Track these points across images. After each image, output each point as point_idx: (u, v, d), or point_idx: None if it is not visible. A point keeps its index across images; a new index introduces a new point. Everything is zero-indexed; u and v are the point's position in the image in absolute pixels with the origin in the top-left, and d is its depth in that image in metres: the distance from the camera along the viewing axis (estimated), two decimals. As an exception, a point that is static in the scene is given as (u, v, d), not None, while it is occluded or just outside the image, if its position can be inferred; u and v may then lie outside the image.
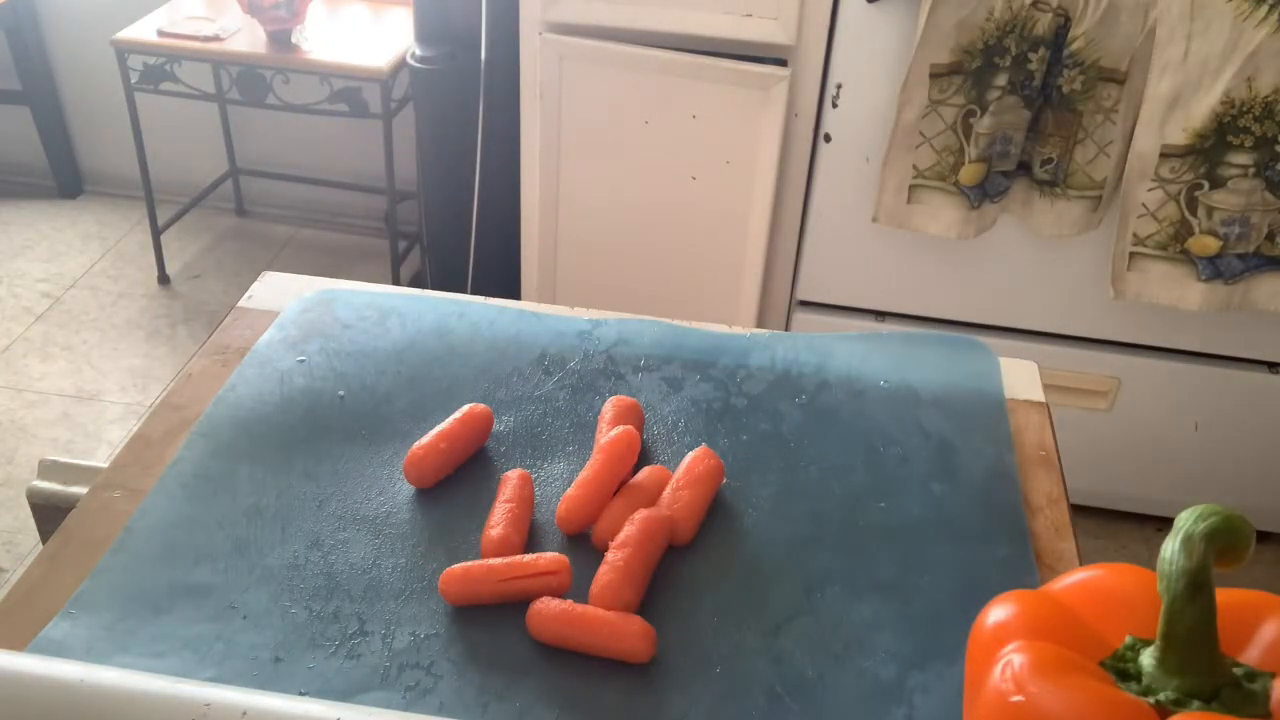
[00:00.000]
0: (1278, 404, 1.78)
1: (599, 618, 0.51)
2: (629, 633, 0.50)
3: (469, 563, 0.53)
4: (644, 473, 0.56)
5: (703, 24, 1.46)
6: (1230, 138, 1.50)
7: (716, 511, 0.58)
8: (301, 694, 0.47)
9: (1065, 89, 1.53)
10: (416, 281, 2.24)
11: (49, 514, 0.68)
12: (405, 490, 0.59)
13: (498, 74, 1.69)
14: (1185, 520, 0.36)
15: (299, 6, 2.21)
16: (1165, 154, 1.53)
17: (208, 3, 2.41)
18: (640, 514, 0.54)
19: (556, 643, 0.50)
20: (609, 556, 0.53)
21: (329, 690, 0.48)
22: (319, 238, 2.79)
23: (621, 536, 0.53)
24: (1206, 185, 1.54)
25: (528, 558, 0.53)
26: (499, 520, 0.54)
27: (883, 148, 1.49)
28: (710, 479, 0.58)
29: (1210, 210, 1.56)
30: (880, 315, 1.68)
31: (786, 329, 1.73)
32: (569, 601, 0.51)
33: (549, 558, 0.52)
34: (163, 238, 2.60)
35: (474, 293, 0.83)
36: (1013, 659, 0.37)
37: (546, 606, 0.51)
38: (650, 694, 0.49)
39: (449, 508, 0.58)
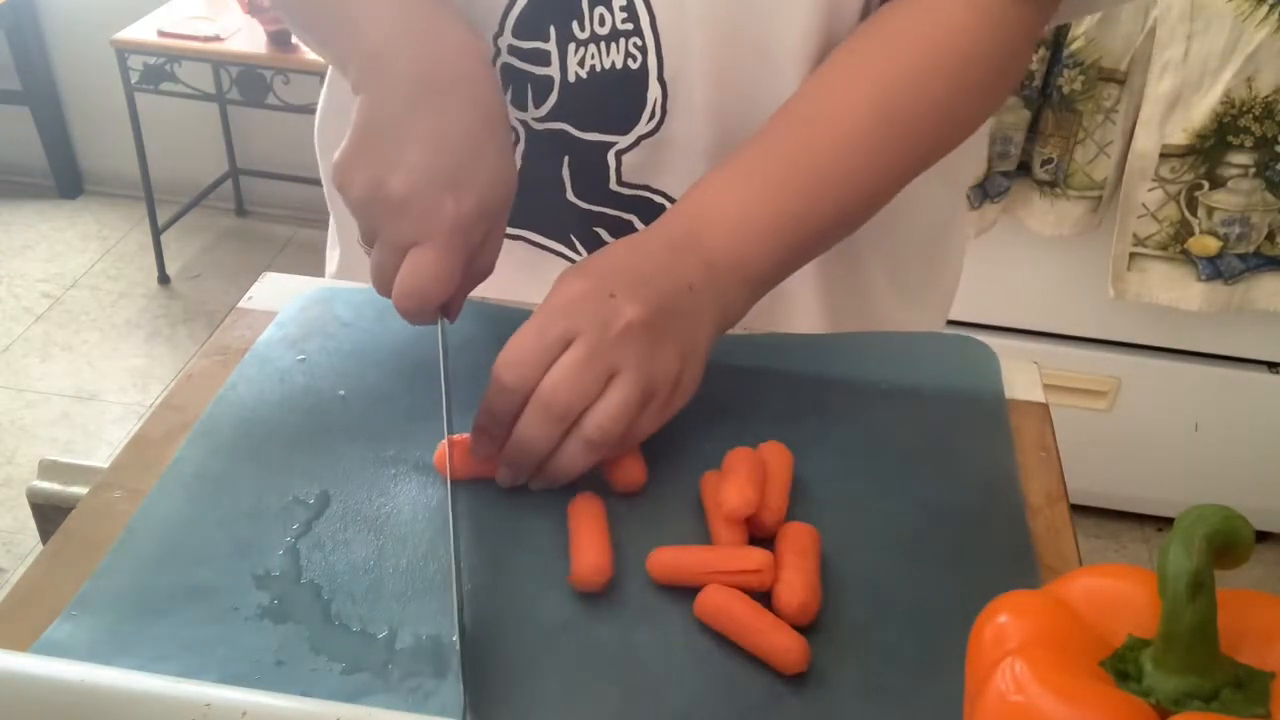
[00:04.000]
0: (1278, 404, 1.78)
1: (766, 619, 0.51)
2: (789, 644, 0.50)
3: (677, 547, 0.54)
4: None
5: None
6: (1230, 138, 1.50)
7: (717, 512, 0.58)
8: (304, 695, 0.47)
9: (1065, 89, 1.53)
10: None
11: (49, 514, 0.68)
12: (407, 490, 0.59)
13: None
14: (1185, 520, 0.36)
15: (299, 6, 2.20)
16: (1165, 154, 1.53)
17: (208, 3, 2.41)
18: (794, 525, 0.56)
19: (718, 627, 0.51)
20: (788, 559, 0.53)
21: (331, 692, 0.48)
22: (319, 238, 2.79)
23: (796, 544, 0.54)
24: (1206, 185, 1.54)
25: (736, 551, 0.53)
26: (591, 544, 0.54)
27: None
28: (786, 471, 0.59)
29: (1210, 210, 1.56)
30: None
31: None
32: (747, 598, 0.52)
33: (756, 555, 0.52)
34: (163, 238, 2.60)
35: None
36: (1013, 659, 0.37)
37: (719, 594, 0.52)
38: (650, 694, 0.49)
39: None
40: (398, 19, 0.59)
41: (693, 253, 0.58)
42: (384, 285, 0.58)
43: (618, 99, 0.69)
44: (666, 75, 0.67)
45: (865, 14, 0.67)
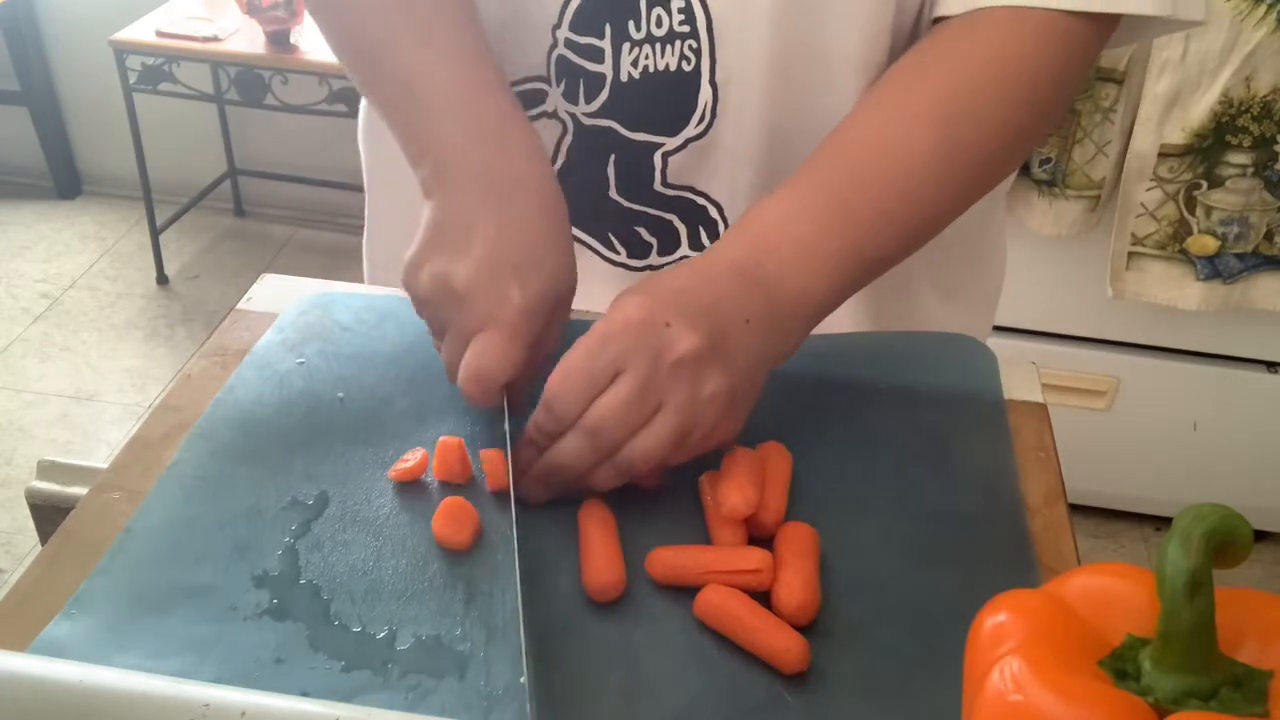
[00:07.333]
0: (1277, 404, 1.78)
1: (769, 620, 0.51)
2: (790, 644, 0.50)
3: (676, 547, 0.54)
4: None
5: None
6: (1228, 137, 1.50)
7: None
8: (303, 695, 0.47)
9: (1063, 89, 1.52)
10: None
11: (48, 515, 0.68)
12: (405, 491, 0.59)
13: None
14: (1184, 519, 0.36)
15: (297, 6, 2.21)
16: (1164, 154, 1.53)
17: (206, 3, 2.40)
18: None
19: (718, 627, 0.52)
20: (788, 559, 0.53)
21: (330, 692, 0.48)
22: (318, 238, 2.79)
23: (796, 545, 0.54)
24: (1205, 185, 1.54)
25: (735, 551, 0.53)
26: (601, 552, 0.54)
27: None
28: (786, 472, 0.59)
29: (1209, 210, 1.56)
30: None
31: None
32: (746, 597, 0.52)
33: (755, 555, 0.53)
34: (161, 238, 2.60)
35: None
36: (1011, 658, 0.37)
37: (718, 594, 0.52)
38: (649, 693, 0.49)
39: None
40: (468, 128, 0.60)
41: (756, 283, 0.57)
42: (455, 375, 0.58)
43: (668, 100, 0.69)
44: (719, 79, 0.67)
45: (919, 24, 0.67)
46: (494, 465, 0.58)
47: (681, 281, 0.57)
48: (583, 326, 0.56)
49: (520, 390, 0.60)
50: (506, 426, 0.59)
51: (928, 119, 0.60)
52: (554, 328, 0.60)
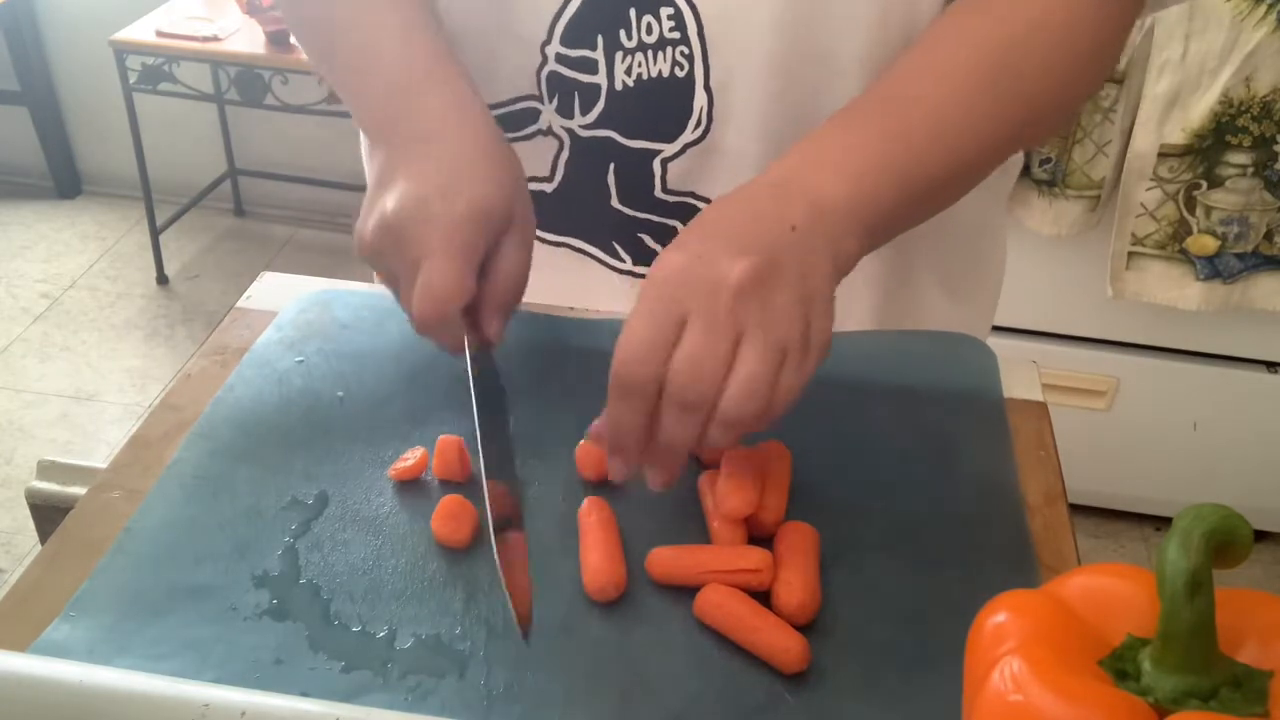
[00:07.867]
0: (1277, 404, 1.78)
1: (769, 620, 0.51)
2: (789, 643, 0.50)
3: (676, 547, 0.55)
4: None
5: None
6: (1228, 137, 1.50)
7: (716, 511, 0.58)
8: (302, 695, 0.47)
9: (1064, 89, 1.52)
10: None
11: (48, 514, 0.68)
12: (405, 491, 0.59)
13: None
14: (1183, 519, 0.36)
15: (297, 7, 2.20)
16: (1163, 153, 1.53)
17: (206, 3, 2.40)
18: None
19: (718, 626, 0.52)
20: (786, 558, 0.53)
21: (330, 691, 0.48)
22: (318, 238, 2.79)
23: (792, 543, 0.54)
24: (1205, 185, 1.54)
25: (735, 551, 0.53)
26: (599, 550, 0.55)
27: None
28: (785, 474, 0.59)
29: (1209, 210, 1.56)
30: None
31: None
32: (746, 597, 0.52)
33: (755, 555, 0.53)
34: (161, 238, 2.60)
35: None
36: (1011, 658, 0.37)
37: (718, 593, 0.52)
38: (649, 693, 0.49)
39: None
40: (403, 93, 0.62)
41: (796, 194, 0.55)
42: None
43: (664, 107, 0.69)
44: (713, 83, 0.67)
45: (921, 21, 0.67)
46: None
47: (715, 212, 0.55)
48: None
49: (487, 323, 0.59)
50: (469, 368, 0.57)
51: (972, 57, 0.60)
52: (508, 249, 0.59)
